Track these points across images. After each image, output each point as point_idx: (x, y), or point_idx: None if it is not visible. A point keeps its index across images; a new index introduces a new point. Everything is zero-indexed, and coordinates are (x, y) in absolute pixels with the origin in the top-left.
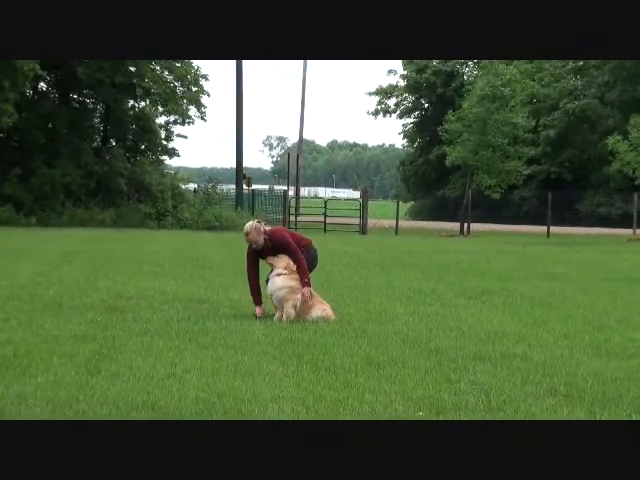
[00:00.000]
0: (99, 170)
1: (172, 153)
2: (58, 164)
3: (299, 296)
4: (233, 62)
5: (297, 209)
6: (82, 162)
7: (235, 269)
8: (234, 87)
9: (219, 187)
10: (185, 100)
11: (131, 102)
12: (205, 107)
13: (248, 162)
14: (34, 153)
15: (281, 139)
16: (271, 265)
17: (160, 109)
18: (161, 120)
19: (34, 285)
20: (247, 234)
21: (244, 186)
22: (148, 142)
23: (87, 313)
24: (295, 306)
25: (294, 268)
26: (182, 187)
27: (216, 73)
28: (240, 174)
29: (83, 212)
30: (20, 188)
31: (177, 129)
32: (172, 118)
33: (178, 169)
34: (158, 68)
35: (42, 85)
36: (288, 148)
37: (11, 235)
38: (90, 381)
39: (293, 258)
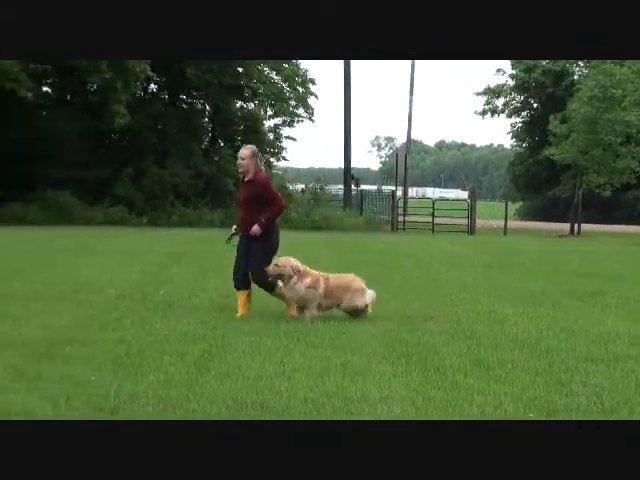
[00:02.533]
0: (207, 170)
1: (279, 155)
2: (168, 164)
3: (321, 291)
4: (341, 63)
5: (405, 209)
6: (191, 163)
7: (341, 269)
8: (342, 88)
9: (327, 187)
10: (293, 101)
11: (239, 103)
12: (312, 108)
13: (356, 162)
14: (145, 154)
15: (389, 139)
16: (277, 267)
17: (269, 112)
18: (270, 123)
19: (145, 285)
20: (243, 159)
21: (352, 186)
22: (256, 143)
23: (197, 313)
24: (320, 305)
25: (301, 267)
26: (290, 187)
27: (324, 74)
28: (348, 174)
29: (192, 212)
30: (132, 188)
31: (285, 131)
32: (280, 120)
33: (286, 170)
34: (266, 69)
35: (152, 86)
36: (396, 148)
37: (123, 235)
38: (200, 380)
39: (273, 202)
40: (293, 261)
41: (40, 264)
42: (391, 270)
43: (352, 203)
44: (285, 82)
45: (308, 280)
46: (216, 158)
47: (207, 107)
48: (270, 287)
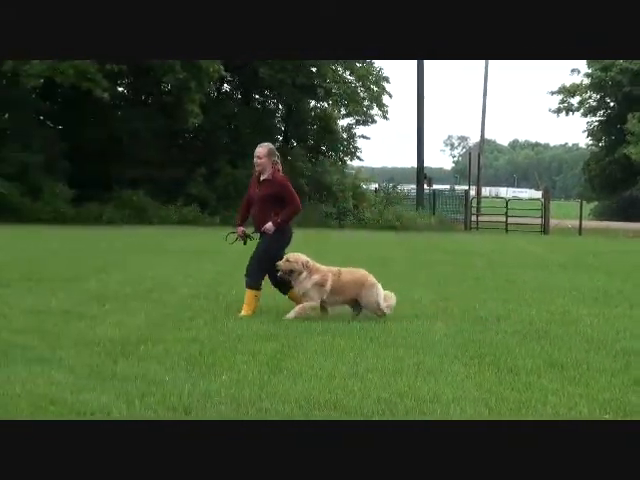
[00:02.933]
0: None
1: (354, 155)
2: (241, 164)
3: (327, 288)
4: (414, 62)
5: (478, 209)
6: None
7: (414, 268)
8: (415, 87)
9: (400, 187)
10: (366, 100)
11: (312, 102)
12: (387, 106)
13: (429, 162)
14: (218, 153)
15: (462, 139)
16: (288, 262)
17: (342, 111)
18: (343, 122)
19: (218, 284)
20: (260, 158)
21: (425, 186)
22: (329, 142)
23: (269, 312)
24: (323, 302)
25: (311, 264)
26: (363, 187)
27: (397, 73)
28: (421, 174)
29: None
30: (205, 188)
31: (359, 130)
32: (354, 120)
33: (359, 169)
34: (340, 69)
35: (225, 86)
36: (469, 148)
37: (196, 234)
38: (272, 379)
39: (291, 202)
40: (303, 257)
41: (115, 263)
42: (464, 270)
43: (425, 203)
44: (359, 81)
45: (316, 277)
46: (289, 158)
47: (280, 107)
48: (255, 285)
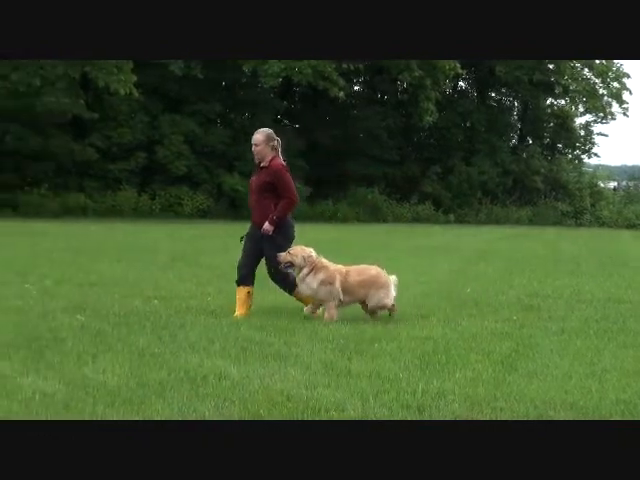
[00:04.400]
0: (515, 168)
1: (591, 152)
2: (475, 162)
3: (337, 286)
4: None
5: None
6: (499, 160)
7: None
8: None
9: None
10: (605, 97)
11: (549, 100)
12: (627, 103)
13: None
14: (452, 151)
15: None
16: (289, 254)
17: (580, 109)
18: (581, 120)
19: (451, 282)
20: (257, 145)
21: None
22: (566, 140)
23: (503, 311)
24: (337, 302)
25: (315, 259)
26: (601, 185)
27: (637, 70)
28: None
29: (499, 210)
30: (439, 186)
31: (597, 128)
32: (591, 117)
33: (597, 167)
34: (578, 65)
35: (461, 84)
36: None
37: (431, 232)
38: (507, 378)
39: (284, 193)
40: (307, 251)
41: (346, 262)
42: None
43: None
44: (598, 78)
45: (321, 275)
46: (524, 155)
47: (516, 104)
48: (289, 287)
